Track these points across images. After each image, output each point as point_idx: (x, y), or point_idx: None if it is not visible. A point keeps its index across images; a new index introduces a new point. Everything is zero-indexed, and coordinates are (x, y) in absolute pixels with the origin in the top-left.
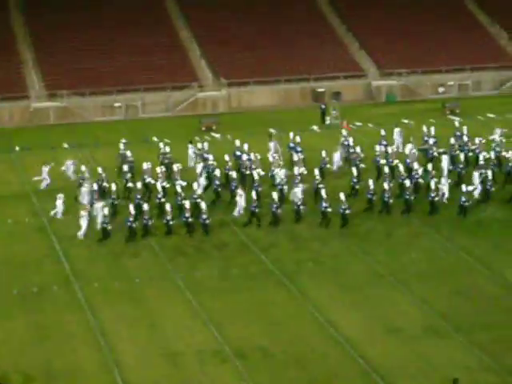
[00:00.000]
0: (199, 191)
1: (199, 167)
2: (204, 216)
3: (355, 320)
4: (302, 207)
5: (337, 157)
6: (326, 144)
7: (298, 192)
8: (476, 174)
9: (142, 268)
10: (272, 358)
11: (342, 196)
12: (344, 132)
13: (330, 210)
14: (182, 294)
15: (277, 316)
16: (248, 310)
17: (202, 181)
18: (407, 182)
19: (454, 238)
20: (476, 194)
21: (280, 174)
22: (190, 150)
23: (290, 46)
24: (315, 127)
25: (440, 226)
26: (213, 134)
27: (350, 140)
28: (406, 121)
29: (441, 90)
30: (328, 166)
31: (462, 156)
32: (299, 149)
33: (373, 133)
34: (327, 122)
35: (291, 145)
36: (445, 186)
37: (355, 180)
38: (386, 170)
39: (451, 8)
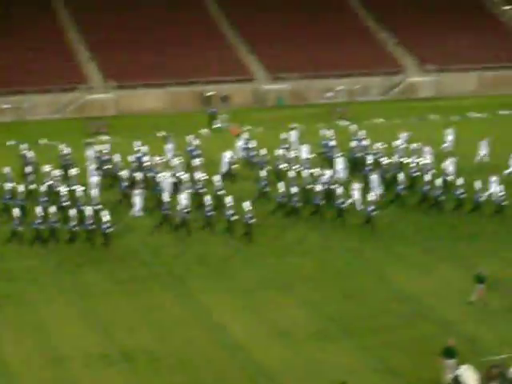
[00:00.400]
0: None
1: (92, 171)
2: (105, 225)
3: (243, 324)
4: (186, 215)
5: (226, 158)
6: (215, 148)
7: (183, 198)
8: (375, 177)
9: (30, 271)
10: (159, 361)
11: (247, 205)
12: (245, 135)
13: (234, 217)
14: (69, 298)
15: (165, 319)
16: (136, 313)
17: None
18: (318, 187)
19: (344, 241)
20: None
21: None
22: (90, 152)
23: (179, 50)
24: (204, 131)
25: (330, 230)
26: (102, 136)
27: (252, 143)
28: (295, 125)
29: (329, 94)
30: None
31: (369, 159)
32: (197, 152)
33: (262, 137)
34: (216, 125)
35: (189, 148)
36: (356, 191)
37: (264, 183)
38: (292, 174)
39: (340, 13)
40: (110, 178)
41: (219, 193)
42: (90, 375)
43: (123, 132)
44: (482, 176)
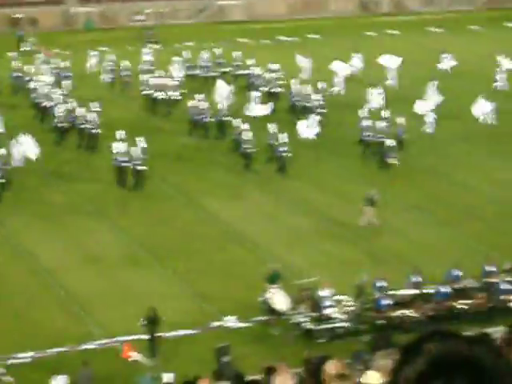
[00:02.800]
0: None
1: None
2: None
3: (53, 250)
4: None
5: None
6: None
7: None
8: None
9: None
10: None
11: None
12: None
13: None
14: None
15: None
16: None
17: None
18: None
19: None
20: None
21: None
22: None
23: None
24: (13, 53)
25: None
26: None
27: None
28: (104, 48)
29: (138, 17)
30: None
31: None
32: None
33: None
34: (24, 48)
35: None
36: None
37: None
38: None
39: None
40: None
41: None
42: None
43: None
44: None
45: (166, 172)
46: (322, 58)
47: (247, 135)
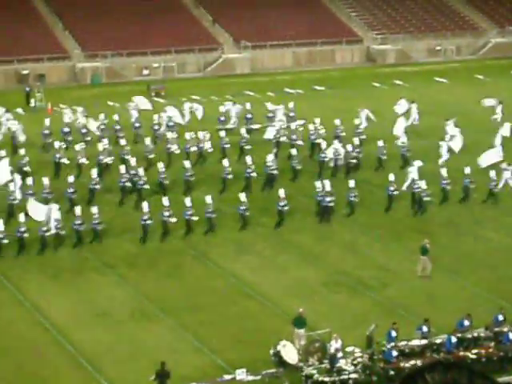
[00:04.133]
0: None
1: None
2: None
3: (62, 306)
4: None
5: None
6: (31, 127)
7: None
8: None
9: None
10: None
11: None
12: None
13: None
14: None
15: None
16: None
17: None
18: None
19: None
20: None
21: None
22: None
23: None
24: (20, 110)
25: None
26: None
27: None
28: (111, 103)
29: (145, 72)
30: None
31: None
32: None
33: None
34: (32, 104)
35: None
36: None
37: None
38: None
39: None
40: None
41: None
42: None
43: None
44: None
45: (174, 225)
46: (328, 109)
47: (282, 193)
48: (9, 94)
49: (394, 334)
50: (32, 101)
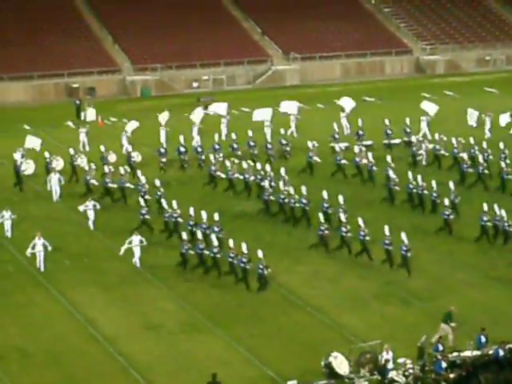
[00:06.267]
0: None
1: None
2: None
3: (114, 318)
4: None
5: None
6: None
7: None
8: None
9: None
10: (31, 358)
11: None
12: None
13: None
14: None
15: (35, 316)
16: (5, 310)
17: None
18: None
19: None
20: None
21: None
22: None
23: (43, 41)
24: (70, 123)
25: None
26: None
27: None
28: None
29: (195, 84)
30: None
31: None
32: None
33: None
34: (82, 117)
35: None
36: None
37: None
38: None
39: (206, 3)
40: None
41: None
42: None
43: None
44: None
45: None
46: (378, 120)
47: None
48: (59, 108)
49: (483, 339)
50: (82, 114)
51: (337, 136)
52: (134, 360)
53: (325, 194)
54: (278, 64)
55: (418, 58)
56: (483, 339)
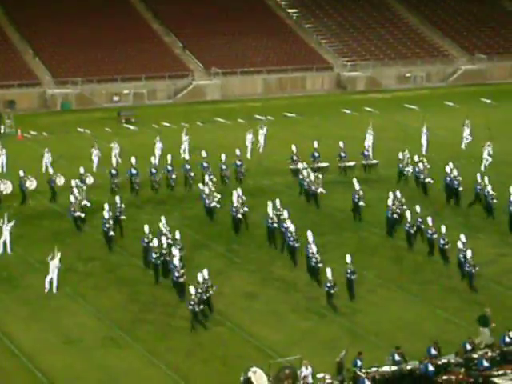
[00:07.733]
0: None
1: None
2: None
3: (31, 332)
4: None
5: None
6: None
7: None
8: None
9: None
10: None
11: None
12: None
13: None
14: None
15: None
16: None
17: None
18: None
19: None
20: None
21: None
22: None
23: None
24: None
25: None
26: None
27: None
28: (81, 129)
29: (116, 98)
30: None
31: None
32: None
33: (46, 142)
34: (2, 130)
35: None
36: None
37: None
38: None
39: (126, 17)
40: None
41: None
42: None
43: None
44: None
45: None
46: (299, 136)
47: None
48: None
49: (358, 361)
50: (2, 127)
51: (295, 158)
52: (53, 375)
53: (269, 210)
54: (199, 79)
55: (339, 74)
56: (397, 357)
